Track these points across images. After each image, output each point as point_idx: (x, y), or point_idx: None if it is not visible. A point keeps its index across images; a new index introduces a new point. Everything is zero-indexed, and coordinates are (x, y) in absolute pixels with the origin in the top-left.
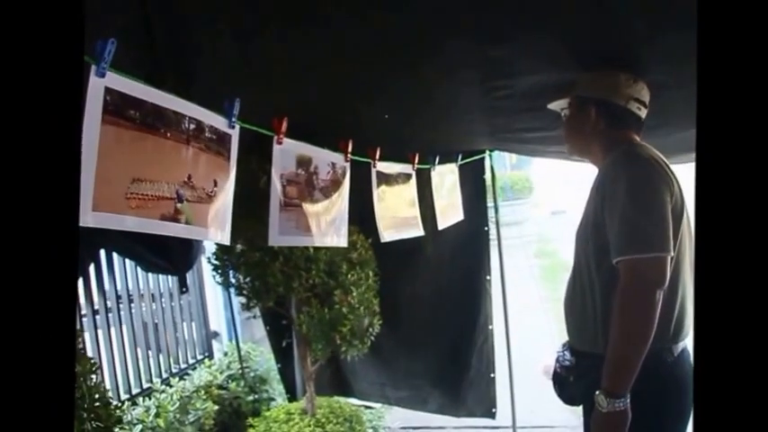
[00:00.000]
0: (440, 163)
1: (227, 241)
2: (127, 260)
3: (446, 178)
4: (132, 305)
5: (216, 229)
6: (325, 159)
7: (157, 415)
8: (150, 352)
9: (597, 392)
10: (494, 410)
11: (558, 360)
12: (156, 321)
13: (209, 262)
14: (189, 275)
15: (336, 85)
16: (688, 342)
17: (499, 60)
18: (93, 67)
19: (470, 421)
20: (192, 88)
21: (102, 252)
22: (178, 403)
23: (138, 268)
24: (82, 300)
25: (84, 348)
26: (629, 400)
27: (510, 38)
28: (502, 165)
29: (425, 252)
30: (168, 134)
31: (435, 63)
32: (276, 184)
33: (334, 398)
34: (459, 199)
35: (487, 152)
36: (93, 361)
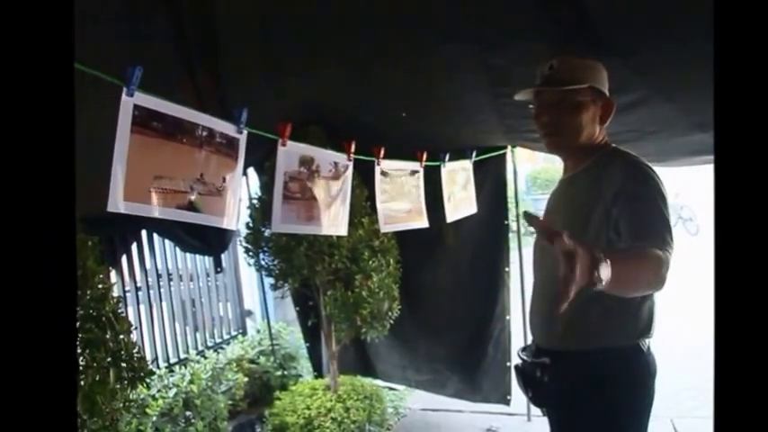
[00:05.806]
0: (451, 159)
1: (233, 226)
2: (167, 241)
3: (458, 174)
4: (172, 283)
5: (224, 217)
6: (327, 159)
7: (191, 381)
8: (188, 327)
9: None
10: (509, 398)
11: (526, 361)
12: (194, 298)
13: (241, 245)
14: (225, 257)
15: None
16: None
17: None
18: (125, 89)
19: (487, 406)
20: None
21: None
22: (210, 372)
23: (177, 248)
24: (126, 276)
25: (126, 313)
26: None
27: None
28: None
29: (447, 243)
30: (184, 140)
31: (448, 74)
32: (279, 180)
33: (357, 377)
34: (473, 192)
35: (509, 148)
36: (132, 326)
